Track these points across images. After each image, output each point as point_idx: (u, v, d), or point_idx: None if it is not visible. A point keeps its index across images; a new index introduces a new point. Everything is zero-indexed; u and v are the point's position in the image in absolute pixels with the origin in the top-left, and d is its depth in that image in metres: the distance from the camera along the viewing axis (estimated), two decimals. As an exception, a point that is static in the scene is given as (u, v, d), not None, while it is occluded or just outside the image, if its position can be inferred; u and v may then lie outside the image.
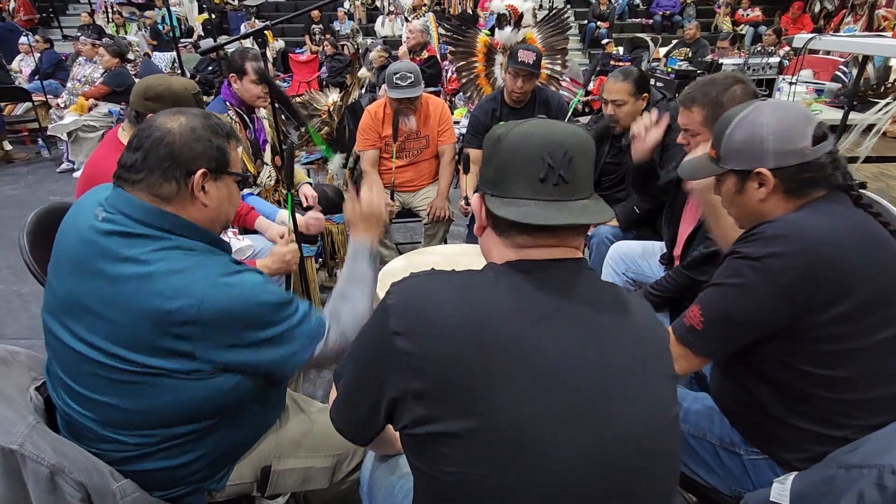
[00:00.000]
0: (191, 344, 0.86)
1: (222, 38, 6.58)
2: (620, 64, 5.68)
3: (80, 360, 0.89)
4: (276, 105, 1.88)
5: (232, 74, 2.08)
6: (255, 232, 2.02)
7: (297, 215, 1.90)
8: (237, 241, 1.86)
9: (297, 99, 3.53)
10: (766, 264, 0.92)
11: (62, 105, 5.24)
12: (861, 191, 1.01)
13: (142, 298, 0.84)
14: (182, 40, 8.50)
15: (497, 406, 0.62)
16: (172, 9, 8.63)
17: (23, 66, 6.79)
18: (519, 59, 2.39)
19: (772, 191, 0.98)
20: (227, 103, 2.10)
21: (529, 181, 0.71)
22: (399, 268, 1.89)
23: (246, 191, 2.09)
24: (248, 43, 6.75)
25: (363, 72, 5.61)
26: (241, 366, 0.91)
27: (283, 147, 1.79)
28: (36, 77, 6.19)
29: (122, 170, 0.92)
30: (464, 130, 4.29)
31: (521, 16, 3.79)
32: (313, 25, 8.89)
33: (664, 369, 0.72)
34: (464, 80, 3.83)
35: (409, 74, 2.39)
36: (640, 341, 0.71)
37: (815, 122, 0.96)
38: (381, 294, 1.76)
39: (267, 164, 2.26)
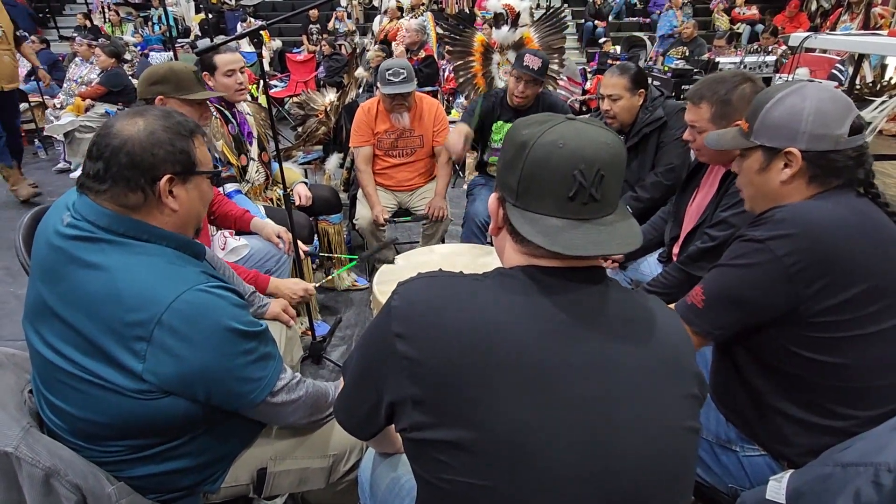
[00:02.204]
0: (143, 359, 0.82)
1: (219, 39, 6.56)
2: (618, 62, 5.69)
3: (50, 368, 0.87)
4: (270, 102, 1.87)
5: (205, 73, 2.07)
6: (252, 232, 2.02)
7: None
8: (233, 241, 1.84)
9: (295, 99, 3.52)
10: (770, 246, 0.92)
11: (59, 105, 5.23)
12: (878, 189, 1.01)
13: (103, 306, 0.82)
14: (179, 40, 8.47)
15: (495, 417, 0.61)
16: (169, 9, 8.60)
17: (19, 67, 6.76)
18: (524, 63, 2.34)
19: (796, 173, 0.97)
20: (207, 101, 2.08)
21: (556, 198, 0.66)
22: (396, 267, 1.89)
23: (233, 187, 2.06)
24: (244, 43, 6.74)
25: (360, 71, 5.60)
26: (185, 385, 0.86)
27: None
28: (32, 77, 6.17)
29: (85, 178, 0.88)
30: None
31: (518, 15, 3.79)
32: (311, 25, 8.87)
33: (682, 389, 0.68)
34: (461, 80, 3.82)
35: (401, 70, 2.38)
36: (657, 358, 0.67)
37: (855, 112, 0.96)
38: (380, 295, 1.76)
39: (254, 160, 2.24)
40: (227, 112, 2.13)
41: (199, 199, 0.97)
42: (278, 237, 1.92)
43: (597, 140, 0.66)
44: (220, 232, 1.88)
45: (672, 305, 1.09)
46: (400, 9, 7.44)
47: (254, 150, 2.26)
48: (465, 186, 3.59)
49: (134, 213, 0.89)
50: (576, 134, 0.66)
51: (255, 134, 2.28)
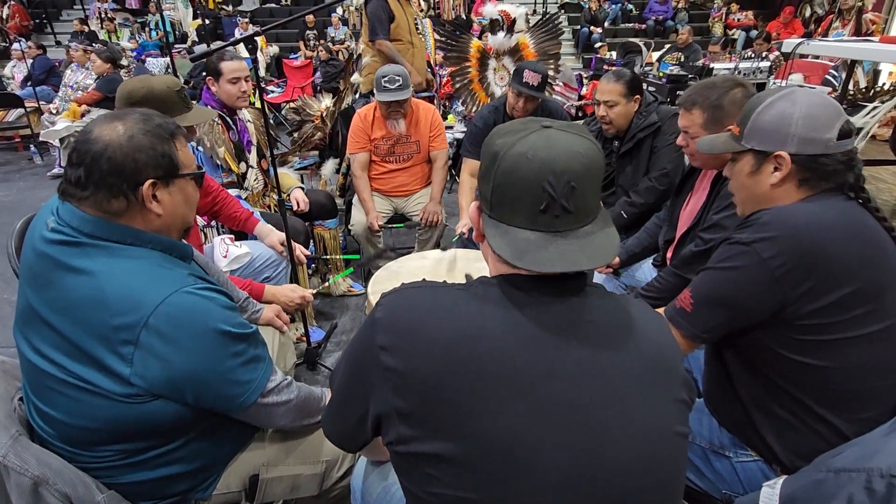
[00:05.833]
0: (130, 363, 0.82)
1: (216, 44, 6.57)
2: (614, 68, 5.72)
3: (39, 374, 0.87)
4: (265, 107, 1.88)
5: (209, 77, 2.09)
6: (253, 237, 2.01)
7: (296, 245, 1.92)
8: (235, 249, 1.84)
9: (291, 104, 3.53)
10: (756, 249, 0.93)
11: (55, 111, 5.23)
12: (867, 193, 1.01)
13: (90, 311, 0.82)
14: (176, 46, 8.48)
15: (482, 427, 0.60)
16: (166, 13, 8.62)
17: (15, 73, 6.78)
18: (523, 80, 2.27)
19: (786, 177, 0.98)
20: (209, 107, 2.10)
21: (528, 211, 0.65)
22: (392, 273, 1.89)
23: (234, 193, 2.09)
24: (241, 48, 6.76)
25: (356, 77, 5.61)
26: (173, 388, 0.85)
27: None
28: (28, 83, 6.18)
29: (66, 185, 0.87)
30: (457, 135, 4.31)
31: (514, 21, 3.81)
32: (307, 31, 8.90)
33: (670, 393, 0.67)
34: (457, 86, 3.84)
35: (397, 77, 2.39)
36: (643, 363, 0.66)
37: (844, 117, 0.97)
38: (374, 301, 1.76)
39: (253, 168, 2.26)
40: (228, 119, 2.14)
41: (184, 202, 0.96)
42: (282, 245, 1.92)
43: (569, 150, 0.65)
44: (220, 238, 1.88)
45: (661, 310, 1.09)
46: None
47: (252, 158, 2.27)
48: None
49: (117, 218, 0.88)
50: (546, 144, 0.65)
51: (254, 142, 2.29)
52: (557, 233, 0.66)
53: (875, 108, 3.06)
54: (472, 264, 1.93)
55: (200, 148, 2.02)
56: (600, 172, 0.68)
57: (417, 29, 3.50)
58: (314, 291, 1.73)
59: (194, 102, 1.72)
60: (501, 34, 3.72)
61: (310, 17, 8.79)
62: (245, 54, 6.99)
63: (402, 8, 3.33)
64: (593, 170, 0.66)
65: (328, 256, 2.62)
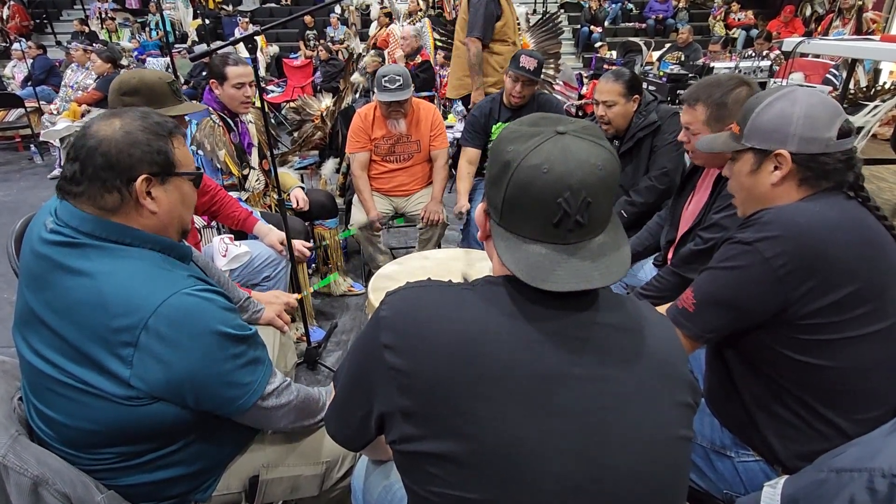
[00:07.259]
0: (130, 365, 0.81)
1: (215, 44, 6.57)
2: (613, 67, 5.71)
3: (38, 376, 0.87)
4: (266, 109, 1.87)
5: (213, 80, 2.09)
6: (253, 237, 2.01)
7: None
8: (234, 248, 1.84)
9: (291, 104, 3.53)
10: (758, 248, 0.93)
11: (55, 111, 5.24)
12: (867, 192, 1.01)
13: (89, 313, 0.81)
14: (176, 46, 8.48)
15: (485, 428, 0.60)
16: (167, 13, 8.62)
17: (15, 73, 6.79)
18: (520, 65, 2.41)
19: (786, 176, 0.98)
20: (210, 108, 2.10)
21: (540, 224, 0.64)
22: (392, 272, 1.88)
23: (234, 195, 2.09)
24: (240, 47, 6.76)
25: (356, 76, 5.61)
26: (173, 390, 0.85)
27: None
28: (28, 83, 6.19)
29: (63, 182, 0.87)
30: (458, 135, 4.31)
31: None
32: (307, 31, 8.90)
33: (674, 397, 0.67)
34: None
35: (397, 77, 2.39)
36: (648, 368, 0.65)
37: (843, 116, 0.97)
38: (376, 300, 1.76)
39: (254, 169, 2.27)
40: (230, 121, 2.15)
41: (181, 202, 0.95)
42: (281, 244, 1.92)
43: (585, 162, 0.62)
44: (220, 238, 1.88)
45: (663, 309, 1.09)
46: (388, 15, 7.55)
47: (254, 160, 2.28)
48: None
49: (112, 215, 0.87)
50: (562, 156, 0.62)
51: (255, 143, 2.29)
52: (569, 245, 0.65)
53: (876, 106, 3.05)
54: (474, 264, 1.93)
55: (200, 151, 2.03)
56: (616, 182, 0.66)
57: (520, 27, 3.30)
58: (298, 297, 1.70)
59: (194, 102, 1.72)
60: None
61: (308, 18, 8.79)
62: (245, 54, 6.99)
63: (510, 5, 3.17)
64: (609, 181, 0.64)
65: (327, 242, 2.61)
